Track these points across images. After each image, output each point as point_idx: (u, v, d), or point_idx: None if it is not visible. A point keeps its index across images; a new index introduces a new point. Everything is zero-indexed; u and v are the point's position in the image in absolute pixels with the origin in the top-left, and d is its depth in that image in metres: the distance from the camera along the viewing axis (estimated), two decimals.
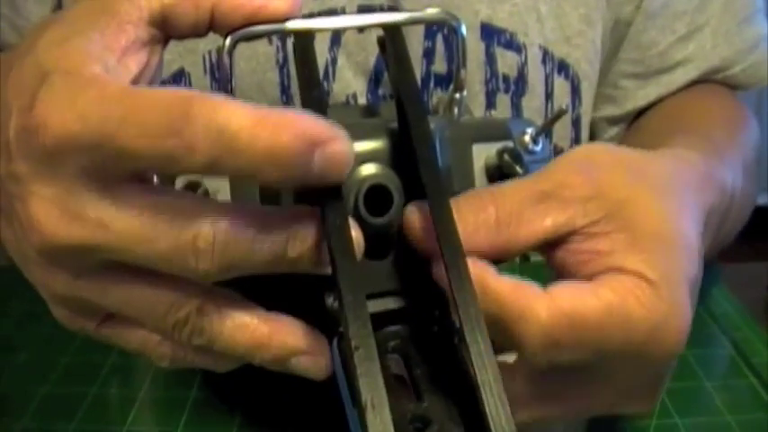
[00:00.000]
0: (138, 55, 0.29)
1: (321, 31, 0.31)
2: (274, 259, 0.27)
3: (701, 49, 0.57)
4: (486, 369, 0.25)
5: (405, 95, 0.30)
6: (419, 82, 0.50)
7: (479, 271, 0.28)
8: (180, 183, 0.31)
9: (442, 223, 0.28)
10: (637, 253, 0.30)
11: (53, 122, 0.25)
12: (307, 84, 0.29)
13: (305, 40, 0.31)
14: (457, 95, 0.35)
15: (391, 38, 0.32)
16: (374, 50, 0.50)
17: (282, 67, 0.49)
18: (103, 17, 0.29)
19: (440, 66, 0.51)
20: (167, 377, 0.47)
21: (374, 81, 0.51)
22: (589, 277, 0.30)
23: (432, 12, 0.33)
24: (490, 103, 0.54)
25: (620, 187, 0.31)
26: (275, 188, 0.31)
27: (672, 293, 0.29)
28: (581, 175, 0.31)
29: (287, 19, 0.30)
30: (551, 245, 0.31)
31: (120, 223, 0.26)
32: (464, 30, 0.33)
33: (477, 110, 0.53)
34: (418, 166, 0.29)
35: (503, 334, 0.28)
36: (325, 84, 0.49)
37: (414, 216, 0.30)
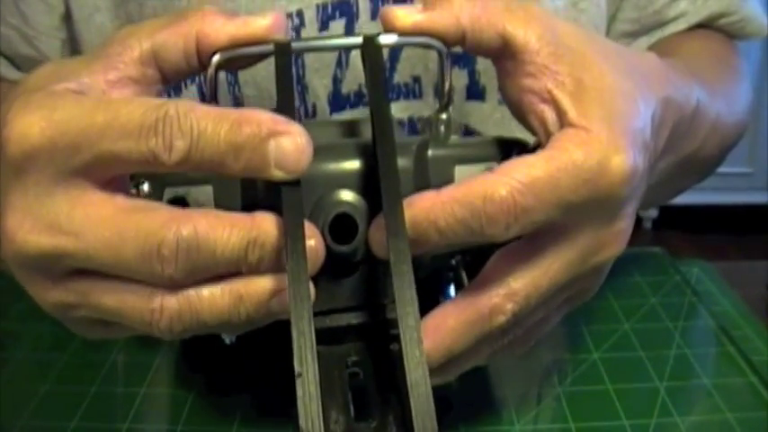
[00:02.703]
0: (126, 90, 0.31)
1: (304, 51, 0.32)
2: (236, 263, 0.28)
3: (693, 3, 0.58)
4: (417, 378, 0.26)
5: (374, 112, 0.31)
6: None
7: (433, 197, 0.30)
8: (166, 197, 0.32)
9: (394, 234, 0.28)
10: (578, 107, 0.32)
11: (26, 131, 0.27)
12: (283, 102, 0.30)
13: (285, 59, 0.31)
14: (443, 116, 0.35)
15: (369, 54, 0.32)
16: None
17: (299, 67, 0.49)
18: (96, 60, 0.31)
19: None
20: (168, 375, 0.47)
21: (387, 71, 0.51)
22: (530, 111, 0.33)
23: (416, 37, 0.33)
24: None
25: (575, 41, 0.33)
26: (254, 200, 0.32)
27: (609, 136, 0.31)
28: (544, 20, 0.33)
29: (272, 40, 0.31)
30: (504, 68, 0.34)
31: (90, 232, 0.28)
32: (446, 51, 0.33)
33: (494, 80, 0.53)
34: (379, 177, 0.29)
35: (476, 231, 0.30)
36: (338, 72, 0.50)
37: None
